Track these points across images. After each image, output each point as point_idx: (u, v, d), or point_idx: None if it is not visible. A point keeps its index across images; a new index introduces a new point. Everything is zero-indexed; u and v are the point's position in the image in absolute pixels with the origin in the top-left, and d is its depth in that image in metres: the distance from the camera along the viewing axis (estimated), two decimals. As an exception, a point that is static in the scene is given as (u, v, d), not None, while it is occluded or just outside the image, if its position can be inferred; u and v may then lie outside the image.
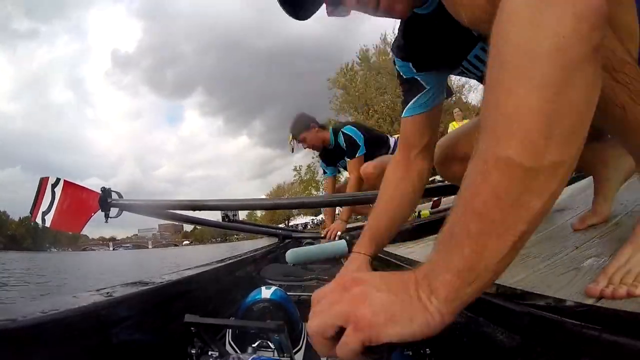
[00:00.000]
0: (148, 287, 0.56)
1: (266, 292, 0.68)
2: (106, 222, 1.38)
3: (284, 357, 0.54)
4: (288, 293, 0.82)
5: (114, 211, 1.38)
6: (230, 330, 0.59)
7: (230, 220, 2.07)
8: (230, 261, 0.99)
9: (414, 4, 0.63)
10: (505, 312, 0.44)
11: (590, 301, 0.51)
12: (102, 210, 1.33)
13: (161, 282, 0.60)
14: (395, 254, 1.18)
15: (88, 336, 0.41)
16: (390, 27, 16.67)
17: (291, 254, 0.85)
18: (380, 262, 0.97)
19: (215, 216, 2.11)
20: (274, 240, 2.13)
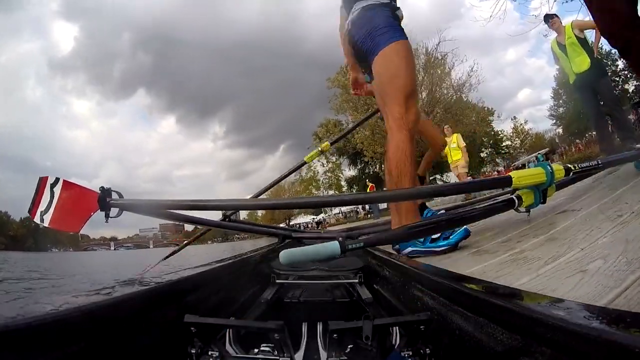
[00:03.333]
0: (147, 286, 0.56)
1: None
2: (106, 222, 1.38)
3: (284, 357, 0.54)
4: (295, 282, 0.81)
5: (114, 211, 1.38)
6: (230, 330, 0.59)
7: (230, 221, 2.07)
8: (230, 261, 0.99)
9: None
10: (506, 312, 0.44)
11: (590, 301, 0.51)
12: (101, 210, 1.33)
13: (161, 282, 0.60)
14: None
15: (87, 336, 0.41)
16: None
17: (285, 255, 0.82)
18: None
19: (216, 215, 2.12)
20: (274, 240, 2.13)
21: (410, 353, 0.61)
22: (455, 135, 7.30)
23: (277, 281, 1.04)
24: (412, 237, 1.37)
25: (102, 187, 1.34)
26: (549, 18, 3.83)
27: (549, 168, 1.19)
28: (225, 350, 0.57)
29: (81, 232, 1.37)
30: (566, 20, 3.83)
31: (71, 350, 0.39)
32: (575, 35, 3.54)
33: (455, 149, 7.15)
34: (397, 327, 0.64)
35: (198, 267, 0.81)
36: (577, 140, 22.74)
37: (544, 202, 1.22)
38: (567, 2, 8.39)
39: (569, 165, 1.35)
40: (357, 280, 1.02)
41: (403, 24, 1.55)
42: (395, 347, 0.62)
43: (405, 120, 1.41)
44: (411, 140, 1.42)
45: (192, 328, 0.52)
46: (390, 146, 1.43)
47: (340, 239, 0.84)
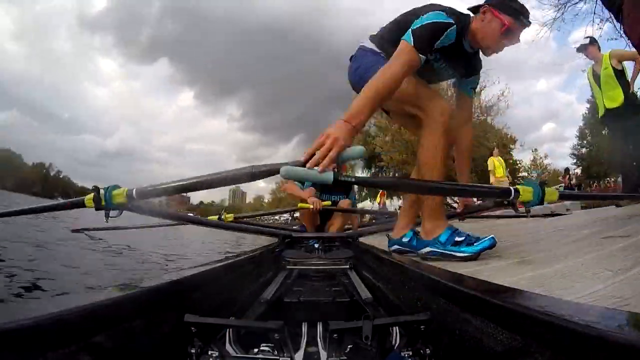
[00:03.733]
0: (147, 286, 0.56)
1: None
2: (106, 221, 1.37)
3: (284, 357, 0.54)
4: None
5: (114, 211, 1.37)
6: (230, 330, 0.59)
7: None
8: (231, 260, 0.99)
9: None
10: (506, 312, 0.44)
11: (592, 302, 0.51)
12: (96, 210, 1.31)
13: (160, 282, 0.60)
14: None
15: (86, 336, 0.41)
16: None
17: (285, 170, 0.98)
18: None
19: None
20: (274, 240, 2.13)
21: (410, 353, 0.61)
22: (498, 158, 7.51)
23: (280, 276, 1.08)
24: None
25: (95, 186, 1.32)
26: (585, 46, 3.35)
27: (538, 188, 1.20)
28: (225, 350, 0.57)
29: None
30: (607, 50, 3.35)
31: (70, 351, 0.39)
32: (612, 67, 3.15)
33: (491, 171, 7.28)
34: (397, 327, 0.64)
35: (198, 267, 0.81)
36: (595, 184, 21.53)
37: (542, 203, 1.22)
38: (613, 39, 7.42)
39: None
40: (347, 266, 1.26)
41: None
42: (395, 347, 0.62)
43: (433, 118, 1.40)
44: (442, 135, 1.40)
45: (192, 328, 0.52)
46: (423, 141, 1.44)
47: (335, 170, 1.01)
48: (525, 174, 22.43)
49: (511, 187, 1.18)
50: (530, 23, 1.39)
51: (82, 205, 1.39)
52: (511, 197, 1.14)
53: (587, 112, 24.68)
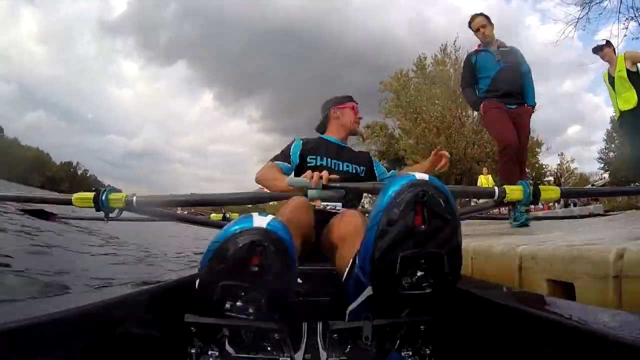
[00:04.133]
0: (148, 286, 0.56)
1: (260, 220, 0.48)
2: (106, 222, 1.37)
3: (283, 356, 0.54)
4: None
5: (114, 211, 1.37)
6: (230, 330, 0.59)
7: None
8: None
9: None
10: (505, 312, 0.44)
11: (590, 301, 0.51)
12: (97, 211, 1.31)
13: (161, 282, 0.60)
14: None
15: (88, 336, 0.41)
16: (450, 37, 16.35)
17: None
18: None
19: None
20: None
21: (410, 353, 0.61)
22: (486, 176, 8.32)
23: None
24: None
25: (95, 188, 1.33)
26: (598, 49, 3.26)
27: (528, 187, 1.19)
28: (225, 350, 0.57)
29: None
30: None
31: (72, 350, 0.39)
32: (627, 68, 3.05)
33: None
34: (397, 327, 0.63)
35: (199, 266, 0.81)
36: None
37: (536, 202, 1.21)
38: (637, 39, 7.08)
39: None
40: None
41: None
42: (395, 347, 0.62)
43: None
44: None
45: (192, 328, 0.52)
46: None
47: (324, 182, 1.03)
48: (551, 178, 21.31)
49: (496, 187, 1.19)
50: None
51: (69, 203, 1.40)
52: (495, 197, 1.15)
53: (614, 114, 24.20)
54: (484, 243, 0.89)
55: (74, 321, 0.39)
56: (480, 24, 2.33)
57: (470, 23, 2.39)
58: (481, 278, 0.76)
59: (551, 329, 0.35)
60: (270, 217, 0.48)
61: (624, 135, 3.45)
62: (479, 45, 2.39)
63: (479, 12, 2.41)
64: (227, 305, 0.47)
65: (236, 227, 0.46)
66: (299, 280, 0.92)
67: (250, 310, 0.47)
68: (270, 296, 0.46)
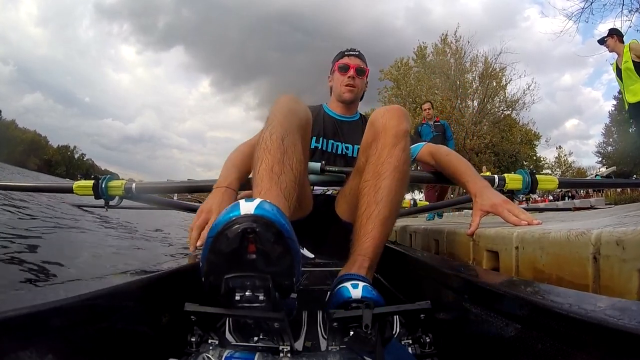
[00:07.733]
0: (148, 275, 0.56)
1: (247, 206, 0.45)
2: (106, 210, 1.37)
3: (284, 345, 0.54)
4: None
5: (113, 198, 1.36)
6: (230, 318, 0.59)
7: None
8: None
9: None
10: (505, 300, 0.44)
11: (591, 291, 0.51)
12: (96, 199, 1.31)
13: (161, 270, 0.60)
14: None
15: (88, 325, 0.41)
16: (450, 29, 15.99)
17: None
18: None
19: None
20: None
21: (410, 341, 0.61)
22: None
23: None
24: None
25: (95, 175, 1.33)
26: (604, 38, 3.16)
27: (527, 176, 1.20)
28: (225, 338, 0.57)
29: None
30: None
31: (71, 339, 0.39)
32: (633, 60, 2.97)
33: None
34: (397, 316, 0.64)
35: (198, 256, 0.81)
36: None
37: (534, 191, 1.22)
38: None
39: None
40: None
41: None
42: (396, 335, 0.62)
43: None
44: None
45: (192, 317, 0.52)
46: None
47: (323, 162, 1.09)
48: (548, 171, 21.51)
49: (496, 176, 1.19)
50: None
51: (69, 191, 1.39)
52: (495, 185, 1.16)
53: (613, 108, 23.88)
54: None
55: (74, 310, 0.39)
56: (426, 107, 4.37)
57: (421, 105, 4.80)
58: (533, 272, 0.69)
59: (551, 316, 0.35)
60: (257, 200, 0.46)
61: (634, 127, 3.42)
62: (423, 120, 4.32)
63: (425, 100, 4.08)
64: (237, 297, 0.45)
65: (224, 218, 0.44)
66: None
67: (262, 298, 0.45)
68: (277, 280, 0.45)
